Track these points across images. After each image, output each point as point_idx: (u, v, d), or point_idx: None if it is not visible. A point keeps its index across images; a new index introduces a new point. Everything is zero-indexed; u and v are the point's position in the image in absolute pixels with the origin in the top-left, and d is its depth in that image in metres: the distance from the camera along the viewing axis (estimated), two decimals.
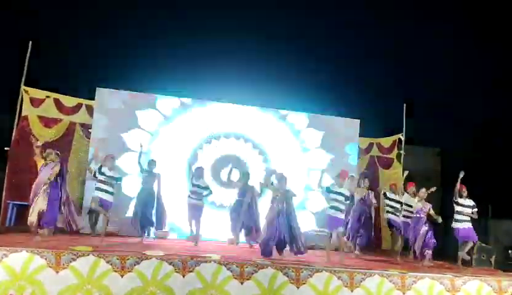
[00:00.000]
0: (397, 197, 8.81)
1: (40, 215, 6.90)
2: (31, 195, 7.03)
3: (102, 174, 7.84)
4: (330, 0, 18.09)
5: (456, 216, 7.82)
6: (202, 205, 8.51)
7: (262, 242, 7.21)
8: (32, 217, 6.90)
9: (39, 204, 6.91)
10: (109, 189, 7.93)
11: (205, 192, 8.52)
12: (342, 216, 7.38)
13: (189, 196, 8.47)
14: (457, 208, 7.81)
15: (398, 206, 8.68)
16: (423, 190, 8.21)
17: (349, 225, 8.62)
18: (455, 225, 7.83)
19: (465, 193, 7.85)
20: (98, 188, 7.89)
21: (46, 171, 7.08)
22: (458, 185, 7.78)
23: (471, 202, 7.86)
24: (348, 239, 8.62)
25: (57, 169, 7.13)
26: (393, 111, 12.24)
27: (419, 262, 8.06)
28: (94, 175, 7.99)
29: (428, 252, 7.95)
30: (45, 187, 6.98)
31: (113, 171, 8.01)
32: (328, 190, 7.27)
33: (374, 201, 8.89)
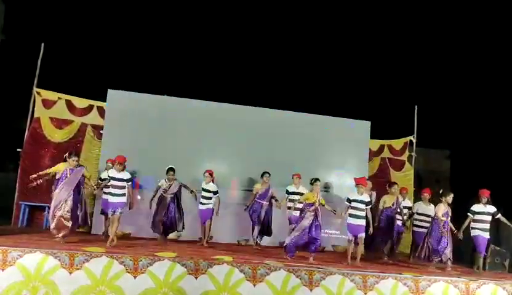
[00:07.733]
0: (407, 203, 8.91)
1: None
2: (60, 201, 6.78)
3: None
4: (344, 3, 18.15)
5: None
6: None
7: (290, 243, 7.20)
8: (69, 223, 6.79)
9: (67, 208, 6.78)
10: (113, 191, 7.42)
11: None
12: (363, 222, 7.32)
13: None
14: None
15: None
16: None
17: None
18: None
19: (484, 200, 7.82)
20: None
21: (73, 176, 6.97)
22: None
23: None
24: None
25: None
26: (403, 113, 12.16)
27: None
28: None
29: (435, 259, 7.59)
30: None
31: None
32: (349, 200, 7.38)
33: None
